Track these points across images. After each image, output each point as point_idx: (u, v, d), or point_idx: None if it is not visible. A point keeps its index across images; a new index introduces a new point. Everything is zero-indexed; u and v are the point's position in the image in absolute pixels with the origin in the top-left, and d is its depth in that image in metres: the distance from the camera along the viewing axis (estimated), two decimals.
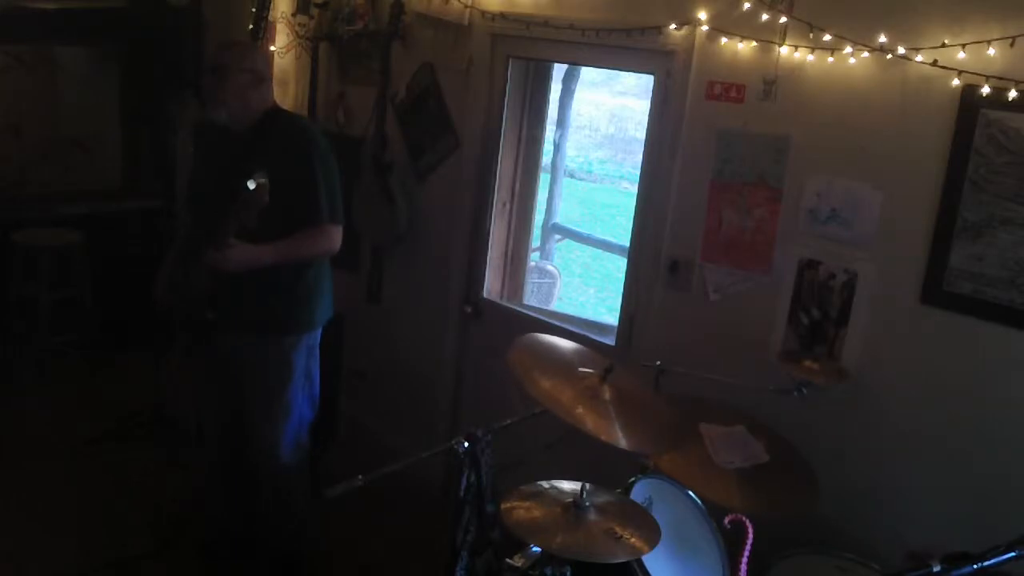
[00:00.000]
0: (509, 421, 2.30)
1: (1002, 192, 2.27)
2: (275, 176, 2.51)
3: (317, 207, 2.77)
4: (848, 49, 2.46)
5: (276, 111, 2.93)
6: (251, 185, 2.43)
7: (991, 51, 2.22)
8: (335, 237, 2.84)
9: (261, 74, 2.85)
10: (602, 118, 12.20)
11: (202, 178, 3.02)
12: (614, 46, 2.98)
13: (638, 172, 3.16)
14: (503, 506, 1.98)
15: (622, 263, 3.53)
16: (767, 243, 2.74)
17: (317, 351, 3.04)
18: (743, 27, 2.67)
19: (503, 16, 3.28)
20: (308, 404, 3.04)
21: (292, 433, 2.99)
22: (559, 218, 7.25)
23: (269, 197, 2.48)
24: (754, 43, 2.66)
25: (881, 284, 2.52)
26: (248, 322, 2.87)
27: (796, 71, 2.60)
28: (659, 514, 2.10)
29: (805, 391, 2.44)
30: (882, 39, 2.39)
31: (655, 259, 3.01)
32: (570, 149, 8.97)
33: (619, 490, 2.27)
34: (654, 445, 2.24)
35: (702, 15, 2.76)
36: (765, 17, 2.59)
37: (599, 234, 8.17)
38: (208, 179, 2.94)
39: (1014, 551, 1.42)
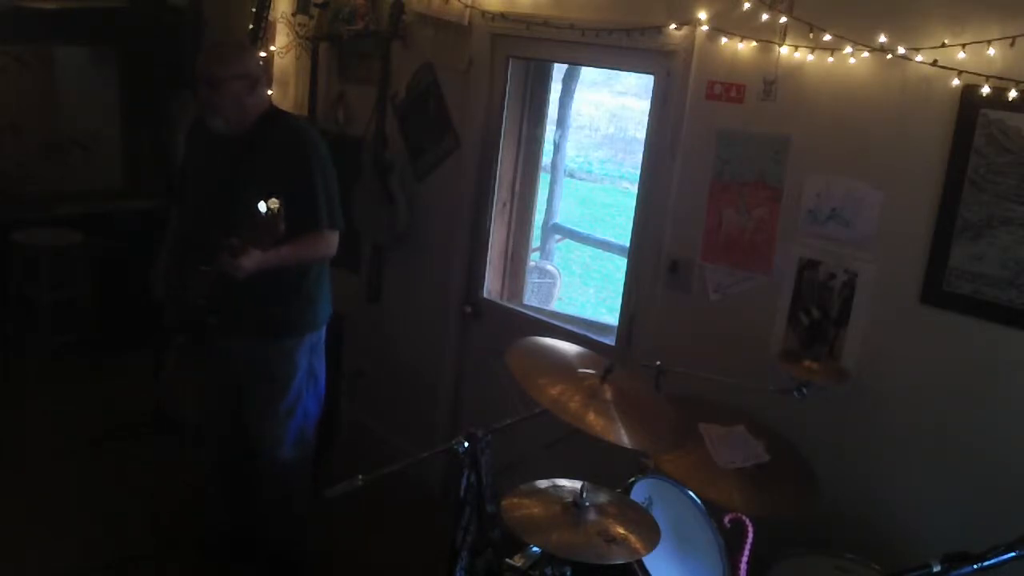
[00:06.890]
0: (509, 421, 2.30)
1: (1002, 192, 2.27)
2: (274, 181, 2.49)
3: (316, 213, 2.76)
4: (848, 49, 2.46)
5: (274, 113, 2.91)
6: (262, 208, 2.34)
7: (991, 51, 2.22)
8: (333, 243, 2.85)
9: (255, 77, 2.80)
10: (602, 118, 12.17)
11: (194, 176, 2.99)
12: (614, 46, 2.98)
13: (638, 172, 3.16)
14: (503, 505, 1.98)
15: (622, 263, 3.53)
16: (767, 243, 2.74)
17: (322, 348, 3.04)
18: (743, 27, 2.67)
19: (503, 16, 3.28)
20: (314, 402, 3.05)
21: (295, 431, 2.99)
22: (559, 218, 7.24)
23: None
24: (754, 43, 2.66)
25: (881, 284, 2.52)
26: (251, 327, 2.87)
27: (796, 71, 2.60)
28: (659, 514, 2.10)
29: (805, 391, 2.44)
30: (882, 39, 2.39)
31: (655, 259, 3.01)
32: (570, 149, 8.96)
33: (619, 490, 2.27)
34: (655, 445, 2.24)
35: (702, 15, 2.76)
36: (765, 17, 2.59)
37: (599, 234, 8.17)
38: (201, 178, 2.92)
39: (1014, 551, 1.42)
